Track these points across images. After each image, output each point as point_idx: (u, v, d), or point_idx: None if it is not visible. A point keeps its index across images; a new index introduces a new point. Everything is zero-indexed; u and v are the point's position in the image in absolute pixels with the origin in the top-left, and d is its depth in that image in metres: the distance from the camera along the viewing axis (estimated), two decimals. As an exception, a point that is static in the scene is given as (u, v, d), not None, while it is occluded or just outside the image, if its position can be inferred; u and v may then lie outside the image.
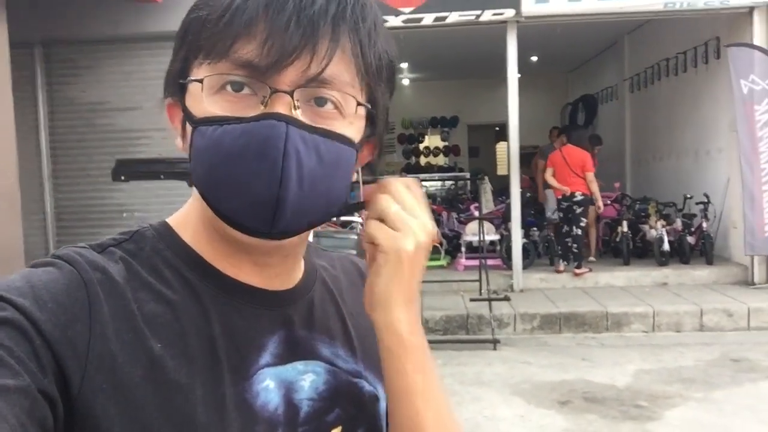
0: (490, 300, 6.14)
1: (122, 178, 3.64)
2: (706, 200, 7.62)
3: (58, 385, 0.55)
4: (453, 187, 12.26)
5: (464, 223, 8.29)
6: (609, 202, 8.47)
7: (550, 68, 13.38)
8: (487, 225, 8.02)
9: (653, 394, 4.68)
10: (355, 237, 3.39)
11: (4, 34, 4.95)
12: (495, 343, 5.89)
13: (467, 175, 11.88)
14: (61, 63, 7.18)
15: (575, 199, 7.24)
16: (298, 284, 0.73)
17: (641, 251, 8.17)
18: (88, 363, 0.57)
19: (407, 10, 6.60)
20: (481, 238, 6.85)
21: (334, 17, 0.61)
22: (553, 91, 14.48)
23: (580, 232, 7.19)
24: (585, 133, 7.68)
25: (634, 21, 9.08)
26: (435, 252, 8.49)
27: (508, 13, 6.77)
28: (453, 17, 6.65)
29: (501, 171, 14.92)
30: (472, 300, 6.13)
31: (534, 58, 12.17)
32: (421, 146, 15.32)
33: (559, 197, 7.45)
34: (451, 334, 6.36)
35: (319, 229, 3.58)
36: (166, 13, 6.31)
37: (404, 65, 12.71)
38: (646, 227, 8.07)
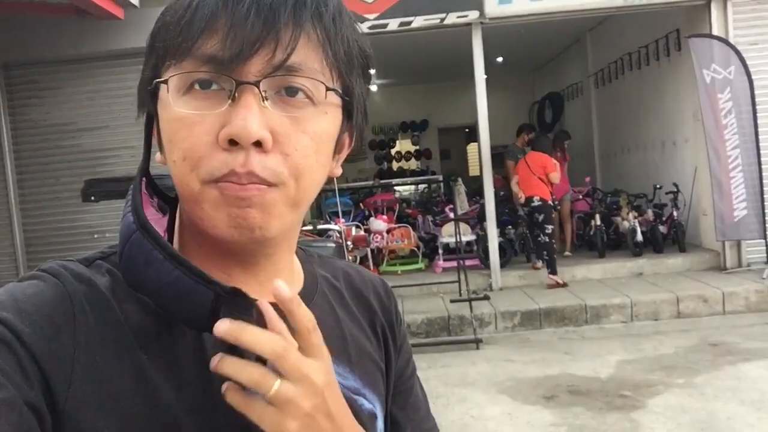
0: (470, 300, 6.17)
1: (92, 198, 3.58)
2: (675, 190, 7.75)
3: (44, 398, 0.54)
4: (426, 190, 12.30)
5: (440, 225, 8.31)
6: (581, 196, 8.58)
7: (516, 68, 13.52)
8: (463, 226, 8.06)
9: (636, 384, 4.74)
10: (334, 245, 3.37)
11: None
12: (477, 342, 5.91)
13: (440, 177, 11.92)
14: (23, 85, 7.06)
15: (533, 205, 7.21)
16: (299, 293, 0.69)
17: (615, 243, 8.28)
18: (74, 375, 0.56)
19: (372, 16, 6.62)
20: (458, 240, 6.87)
21: (294, 5, 0.60)
22: (520, 90, 14.63)
23: (547, 239, 7.08)
24: (547, 141, 7.65)
25: (596, 18, 9.22)
26: (413, 255, 8.51)
27: (472, 15, 6.83)
28: (418, 21, 6.68)
29: (473, 172, 15.03)
30: (452, 301, 6.15)
31: (499, 59, 12.29)
32: (393, 151, 15.37)
33: (521, 203, 7.47)
34: (433, 336, 6.37)
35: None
36: (128, 31, 6.25)
37: (371, 71, 12.71)
38: (618, 219, 8.18)
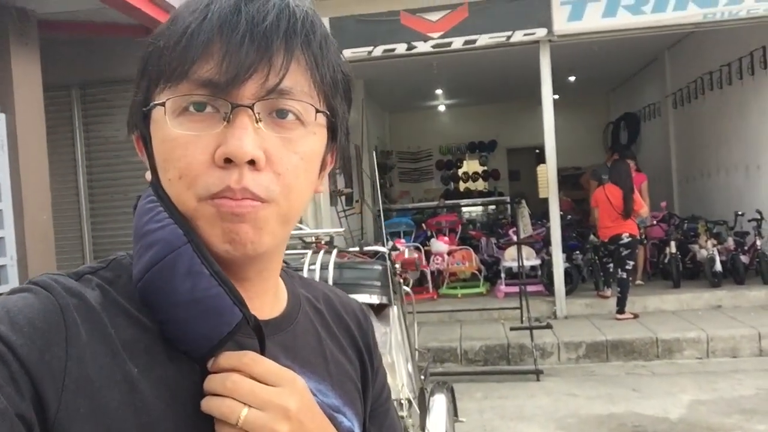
0: (531, 328, 5.88)
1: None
2: (759, 217, 7.22)
3: (35, 410, 0.54)
4: (493, 212, 12.03)
5: (503, 248, 8.05)
6: (655, 222, 8.13)
7: (590, 87, 13.12)
8: (527, 250, 7.78)
9: (710, 427, 4.36)
10: (380, 268, 3.23)
11: (38, 76, 5.04)
12: (538, 373, 5.63)
13: (507, 199, 11.63)
14: (96, 103, 7.31)
15: (622, 242, 6.72)
16: (283, 313, 0.74)
17: (692, 273, 7.78)
18: (65, 387, 0.56)
19: (436, 35, 6.51)
20: (521, 264, 6.61)
21: (286, 32, 0.63)
22: (594, 110, 14.18)
23: (625, 275, 6.65)
24: (625, 168, 7.01)
25: (675, 35, 8.80)
26: (474, 279, 8.26)
27: (540, 32, 6.61)
28: (483, 40, 6.52)
29: (543, 194, 14.59)
30: (512, 329, 5.89)
31: (572, 78, 11.95)
32: (460, 172, 15.16)
33: (606, 240, 6.99)
34: (491, 364, 6.12)
35: (344, 259, 3.45)
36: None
37: (439, 91, 12.64)
38: (695, 247, 7.69)
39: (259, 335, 0.65)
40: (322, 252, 3.21)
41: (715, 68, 8.59)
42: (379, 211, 9.21)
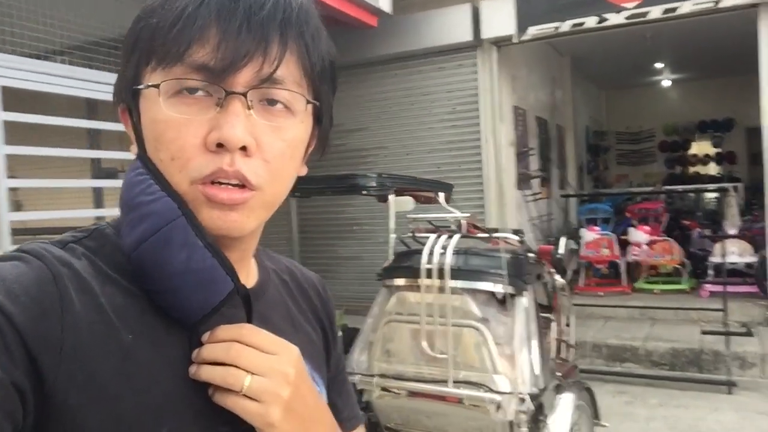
0: (727, 334, 5.19)
1: (296, 194, 3.87)
2: None
3: (30, 378, 0.56)
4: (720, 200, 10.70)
5: (714, 241, 7.15)
6: None
7: None
8: (743, 245, 6.84)
9: None
10: (507, 256, 3.12)
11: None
12: (730, 385, 4.96)
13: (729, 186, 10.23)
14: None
15: None
16: (256, 284, 0.78)
17: None
18: (62, 355, 0.58)
19: (630, 5, 5.94)
20: (725, 260, 5.83)
21: (281, 22, 0.65)
22: None
23: None
24: None
25: None
26: (678, 274, 7.48)
27: (757, -7, 5.69)
28: (685, 7, 5.79)
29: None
30: (703, 332, 5.24)
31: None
32: (688, 153, 13.67)
33: None
34: (678, 370, 5.53)
35: (470, 244, 3.39)
36: (381, 39, 6.64)
37: (660, 65, 11.51)
38: None
39: (247, 304, 0.70)
40: (444, 236, 3.18)
41: None
42: (563, 196, 8.77)
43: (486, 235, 3.36)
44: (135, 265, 0.65)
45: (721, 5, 5.70)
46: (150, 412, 0.61)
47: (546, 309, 3.69)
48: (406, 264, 3.25)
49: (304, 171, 0.76)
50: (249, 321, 0.70)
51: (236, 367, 0.64)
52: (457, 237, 3.14)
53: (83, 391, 0.58)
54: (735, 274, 6.70)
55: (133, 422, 0.60)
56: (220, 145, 0.63)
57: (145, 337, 0.63)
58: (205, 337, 0.66)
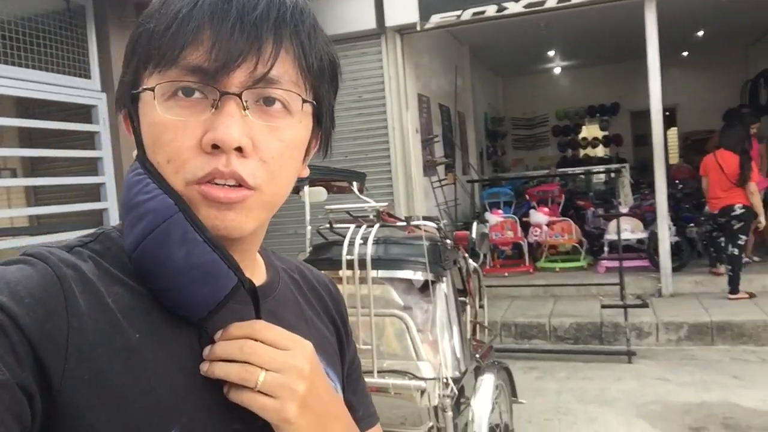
0: (625, 306, 5.52)
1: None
2: None
3: (37, 380, 0.56)
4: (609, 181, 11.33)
5: (608, 219, 7.58)
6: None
7: (724, 42, 11.89)
8: (634, 222, 7.29)
9: (815, 426, 3.88)
10: (427, 244, 3.15)
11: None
12: (630, 355, 5.29)
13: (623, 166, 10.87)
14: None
15: (734, 213, 6.05)
16: (266, 282, 0.78)
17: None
18: (68, 356, 0.58)
19: (527, -6, 6.14)
20: (620, 237, 6.18)
21: (275, 21, 0.64)
22: (729, 67, 12.85)
23: (737, 251, 6.00)
24: (738, 134, 6.20)
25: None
26: (575, 252, 7.88)
27: (644, -15, 6.04)
28: (578, -4, 6.06)
29: (672, 160, 13.56)
30: (603, 306, 5.55)
31: (700, 33, 10.89)
32: (579, 137, 14.39)
33: (715, 212, 6.31)
34: (582, 343, 5.83)
35: (386, 233, 3.39)
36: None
37: (552, 53, 12.01)
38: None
39: (254, 298, 0.69)
40: (364, 226, 3.17)
41: None
42: (469, 181, 9.03)
43: (404, 223, 3.38)
44: (137, 265, 0.64)
45: (611, -5, 5.99)
46: (159, 410, 0.61)
47: (461, 293, 3.77)
48: (325, 256, 3.21)
49: (306, 172, 0.75)
50: (257, 316, 0.69)
51: (250, 363, 0.64)
52: (377, 227, 3.13)
53: (91, 392, 0.58)
54: (628, 249, 7.13)
55: (142, 421, 0.60)
56: (215, 147, 0.63)
57: (152, 335, 0.63)
58: (218, 335, 0.66)
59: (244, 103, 0.63)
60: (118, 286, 0.64)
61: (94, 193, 4.97)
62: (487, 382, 3.22)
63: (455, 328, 3.16)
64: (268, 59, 0.64)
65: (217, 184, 0.64)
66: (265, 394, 0.64)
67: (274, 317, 0.73)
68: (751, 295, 6.07)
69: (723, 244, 6.31)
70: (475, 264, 3.93)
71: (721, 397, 4.40)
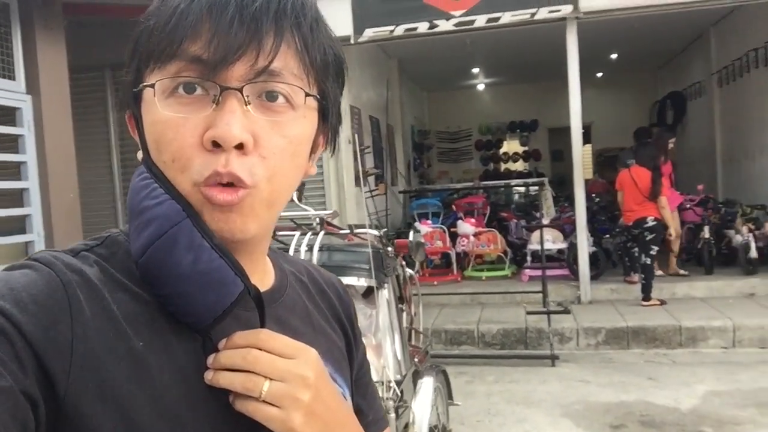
0: (548, 313, 5.79)
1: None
2: (799, 201, 6.88)
3: (41, 387, 0.55)
4: (531, 193, 11.82)
5: (531, 230, 7.92)
6: (689, 206, 7.83)
7: (636, 65, 12.69)
8: (554, 233, 7.64)
9: (720, 420, 4.22)
10: (369, 251, 3.23)
11: (64, 59, 5.18)
12: (553, 359, 5.55)
13: (544, 180, 11.37)
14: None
15: (646, 225, 6.44)
16: (272, 287, 0.76)
17: (727, 259, 7.49)
18: (73, 363, 0.57)
19: (458, 13, 6.39)
20: (543, 247, 6.49)
21: (276, 13, 0.63)
22: (641, 88, 13.73)
23: (649, 261, 6.41)
24: (650, 151, 6.69)
25: (719, 11, 8.40)
26: (501, 261, 8.17)
27: (566, 9, 6.41)
28: (506, 17, 6.37)
29: (587, 175, 14.25)
30: (528, 313, 5.81)
31: (614, 56, 11.58)
32: (500, 152, 14.92)
33: (630, 224, 6.71)
34: (508, 348, 6.07)
35: (337, 241, 3.46)
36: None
37: (476, 70, 12.43)
38: (731, 232, 7.39)
39: (259, 305, 0.67)
40: (309, 234, 3.23)
41: (760, 45, 8.17)
42: (401, 192, 9.20)
43: (347, 231, 3.46)
44: (143, 271, 0.64)
45: (536, 17, 6.33)
46: (164, 419, 0.60)
47: (398, 299, 3.88)
48: (270, 262, 3.24)
49: (313, 170, 0.74)
50: (262, 323, 0.69)
51: (254, 373, 0.64)
52: (321, 234, 3.20)
53: (96, 399, 0.57)
54: (549, 259, 7.46)
55: (147, 429, 0.59)
56: (216, 144, 0.62)
57: (157, 343, 0.63)
58: (222, 343, 0.65)
59: (246, 98, 0.62)
60: (122, 293, 0.63)
61: (17, 198, 4.78)
62: (427, 384, 3.33)
63: (396, 334, 3.26)
64: (269, 52, 0.62)
65: (219, 185, 0.63)
66: (270, 404, 0.63)
67: (281, 323, 0.73)
68: (662, 302, 6.50)
69: (637, 254, 6.72)
70: (411, 271, 4.06)
71: (638, 397, 4.71)
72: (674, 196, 7.17)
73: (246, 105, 0.62)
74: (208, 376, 0.64)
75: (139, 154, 0.69)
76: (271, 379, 0.63)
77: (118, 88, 7.52)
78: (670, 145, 7.10)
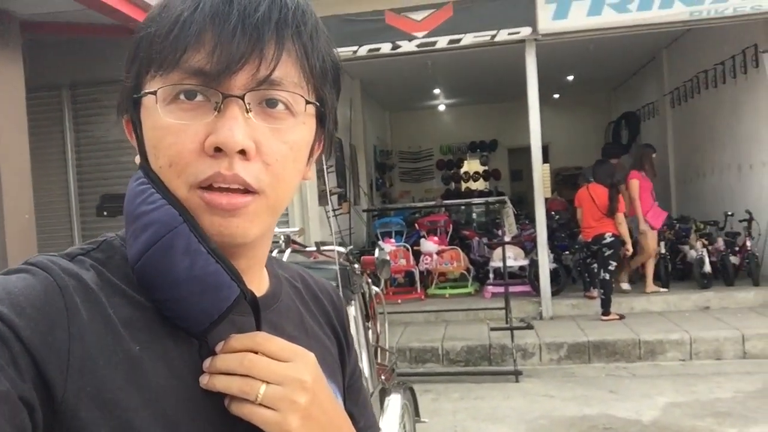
0: (512, 329, 5.86)
1: (105, 213, 3.62)
2: (748, 217, 7.14)
3: (39, 391, 0.55)
4: (491, 211, 11.98)
5: (493, 248, 8.02)
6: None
7: (591, 86, 13.05)
8: (516, 250, 7.75)
9: (681, 430, 4.32)
10: (336, 268, 3.23)
11: (20, 77, 5.08)
12: (517, 374, 5.60)
13: (506, 198, 11.54)
14: (87, 103, 7.36)
15: (605, 241, 6.60)
16: (268, 292, 0.76)
17: (683, 274, 7.70)
18: (70, 367, 0.57)
19: (420, 34, 6.50)
20: (504, 264, 6.58)
21: (277, 23, 0.64)
22: (596, 109, 14.12)
23: (608, 276, 6.56)
24: (608, 169, 6.91)
25: (671, 33, 8.72)
26: (464, 279, 8.24)
27: (525, 31, 6.58)
28: (467, 39, 6.50)
29: (546, 194, 14.52)
30: (492, 329, 5.86)
31: (570, 78, 11.88)
32: (461, 171, 15.11)
33: (589, 240, 6.87)
34: (472, 365, 6.10)
35: (301, 258, 3.46)
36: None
37: (437, 91, 12.60)
38: (686, 248, 7.62)
39: (255, 310, 0.68)
40: (275, 251, 3.22)
41: (710, 66, 8.50)
42: (365, 211, 9.23)
43: (314, 249, 3.46)
44: (140, 275, 0.64)
45: (496, 39, 6.47)
46: (162, 423, 0.61)
47: (364, 317, 3.88)
48: (236, 280, 3.22)
49: (311, 175, 0.74)
50: (258, 328, 0.69)
51: (250, 376, 0.64)
52: (288, 251, 3.19)
53: (93, 404, 0.57)
54: (511, 276, 7.57)
55: None
56: (218, 150, 0.62)
57: (153, 347, 0.63)
58: (219, 347, 0.65)
59: (247, 106, 0.63)
60: (119, 297, 0.63)
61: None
62: (395, 402, 3.33)
63: (363, 351, 3.26)
64: (271, 61, 0.63)
65: (220, 188, 0.63)
66: (267, 407, 0.63)
67: (275, 328, 0.72)
68: (621, 317, 6.64)
69: (596, 270, 6.86)
70: (377, 289, 4.07)
71: (600, 410, 4.78)
72: (658, 212, 7.27)
73: (247, 112, 0.63)
74: (204, 380, 0.64)
75: (137, 159, 0.70)
76: (267, 383, 0.63)
77: (76, 107, 7.40)
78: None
